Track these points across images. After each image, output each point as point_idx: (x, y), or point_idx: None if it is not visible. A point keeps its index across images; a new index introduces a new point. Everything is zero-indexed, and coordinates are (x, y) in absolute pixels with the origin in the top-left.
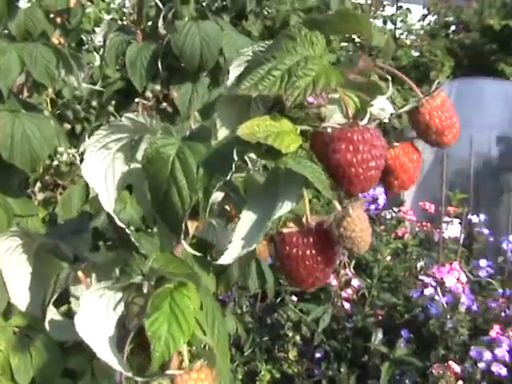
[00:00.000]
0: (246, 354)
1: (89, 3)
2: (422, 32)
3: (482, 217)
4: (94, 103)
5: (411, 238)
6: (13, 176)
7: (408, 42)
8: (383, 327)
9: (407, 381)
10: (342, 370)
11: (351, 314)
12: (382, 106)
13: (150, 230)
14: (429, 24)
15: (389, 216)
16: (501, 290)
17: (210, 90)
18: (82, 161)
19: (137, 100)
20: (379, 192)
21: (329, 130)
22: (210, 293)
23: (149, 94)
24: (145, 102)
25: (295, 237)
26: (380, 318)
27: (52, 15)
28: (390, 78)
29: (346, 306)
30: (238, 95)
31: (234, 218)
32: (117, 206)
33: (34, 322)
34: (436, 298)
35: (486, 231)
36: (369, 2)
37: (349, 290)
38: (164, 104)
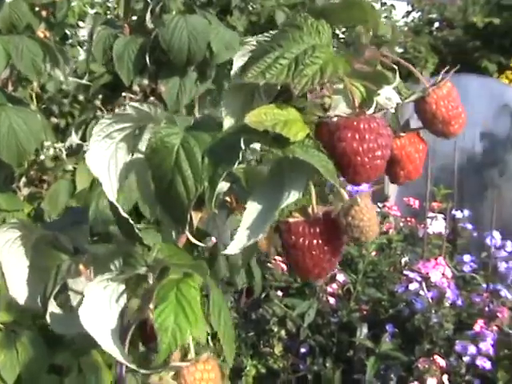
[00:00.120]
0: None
1: None
2: (406, 29)
3: (466, 212)
4: (81, 97)
5: (396, 234)
6: None
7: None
8: (368, 322)
9: (392, 375)
10: (327, 364)
11: (336, 308)
12: (388, 96)
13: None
14: (413, 21)
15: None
16: (484, 285)
17: (197, 84)
18: (68, 155)
19: (124, 94)
20: (364, 187)
21: (334, 119)
22: (216, 283)
23: (136, 88)
24: (132, 96)
25: (301, 226)
26: (365, 312)
27: (37, 8)
28: (396, 67)
29: (331, 301)
30: (243, 84)
31: (234, 209)
32: (104, 201)
33: (20, 317)
34: (421, 292)
35: (469, 226)
36: None
37: (334, 285)
38: (152, 98)
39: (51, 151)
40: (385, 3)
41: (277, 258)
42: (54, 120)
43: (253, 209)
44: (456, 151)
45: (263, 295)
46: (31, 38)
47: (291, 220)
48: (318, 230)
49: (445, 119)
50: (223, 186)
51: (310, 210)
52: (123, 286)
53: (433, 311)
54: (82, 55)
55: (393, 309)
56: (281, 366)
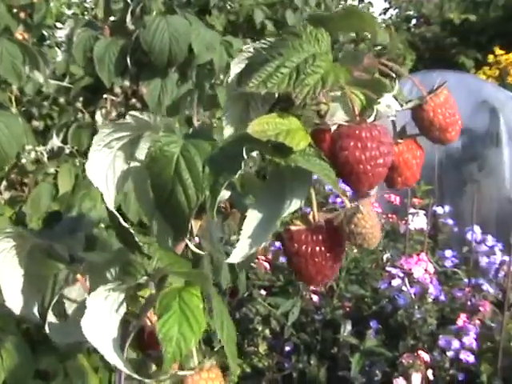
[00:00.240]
0: (215, 349)
1: None
2: (383, 25)
3: (447, 208)
4: (62, 100)
5: None
6: None
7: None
8: (352, 319)
9: (377, 371)
10: (312, 362)
11: (320, 306)
12: (388, 103)
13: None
14: (390, 18)
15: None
16: (466, 280)
17: (178, 85)
18: (49, 158)
19: (105, 96)
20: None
21: (333, 127)
22: (216, 292)
23: (117, 90)
24: (113, 98)
25: (304, 234)
26: (348, 309)
27: (15, 10)
28: (394, 75)
29: (315, 298)
30: (242, 93)
31: (229, 215)
32: (87, 204)
33: (3, 323)
34: (403, 288)
35: (450, 222)
36: None
37: None
38: (133, 100)
39: (32, 154)
40: (362, 0)
41: (260, 257)
42: (35, 123)
43: (254, 217)
44: (436, 147)
45: (246, 295)
46: (10, 40)
47: (293, 228)
48: (320, 237)
49: (442, 126)
50: (224, 194)
51: (310, 217)
52: (123, 296)
53: (416, 307)
54: (59, 56)
55: (376, 305)
56: (266, 365)
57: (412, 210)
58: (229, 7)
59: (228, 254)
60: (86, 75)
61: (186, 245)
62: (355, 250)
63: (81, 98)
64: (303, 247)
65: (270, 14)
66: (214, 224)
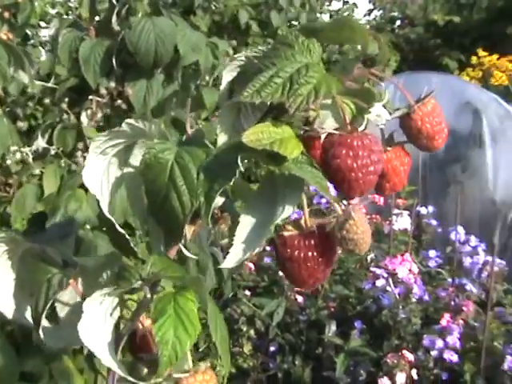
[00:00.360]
0: (200, 349)
1: None
2: (368, 27)
3: (431, 208)
4: (47, 101)
5: None
6: None
7: None
8: (336, 319)
9: (362, 371)
10: (296, 362)
11: (304, 307)
12: (378, 113)
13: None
14: (375, 19)
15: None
16: (450, 280)
17: (164, 86)
18: (34, 159)
19: (91, 97)
20: (329, 185)
21: (323, 134)
22: (210, 295)
23: (103, 91)
24: (99, 99)
25: (297, 240)
26: (333, 310)
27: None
28: (383, 84)
29: (299, 299)
30: (235, 102)
31: (219, 219)
32: (72, 206)
33: None
34: (388, 288)
35: (434, 222)
36: None
37: None
38: (119, 101)
39: (18, 155)
40: (347, 2)
41: None
42: (20, 124)
43: (247, 223)
44: None
45: (231, 295)
46: None
47: (286, 234)
48: (312, 242)
49: (429, 135)
50: (218, 200)
51: (302, 222)
52: (117, 300)
53: (400, 307)
54: (43, 56)
55: (360, 305)
56: (251, 365)
57: (396, 211)
58: (213, 8)
59: (214, 256)
60: (71, 76)
61: None
62: (340, 251)
63: (66, 99)
64: (296, 252)
65: (255, 14)
66: (203, 227)
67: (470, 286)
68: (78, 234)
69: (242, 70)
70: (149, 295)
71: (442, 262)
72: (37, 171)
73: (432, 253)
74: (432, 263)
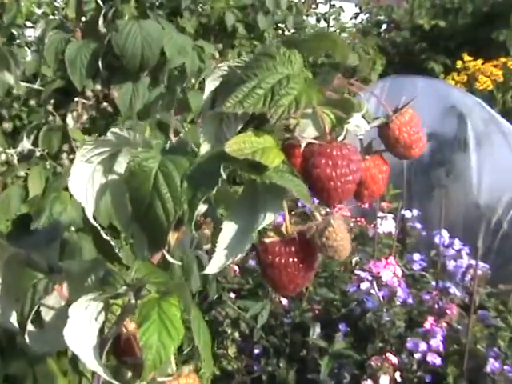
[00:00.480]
0: (184, 352)
1: None
2: (354, 30)
3: (415, 212)
4: (33, 102)
5: None
6: None
7: None
8: (321, 322)
9: (346, 374)
10: (281, 364)
11: (289, 309)
12: (357, 123)
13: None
14: (361, 22)
15: (323, 212)
16: (434, 283)
17: (150, 89)
18: (19, 161)
19: (77, 99)
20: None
21: (303, 143)
22: (192, 300)
23: (89, 93)
24: (85, 101)
25: (278, 246)
26: (317, 312)
27: None
28: (362, 95)
29: (284, 301)
30: (218, 112)
31: (202, 224)
32: (57, 208)
33: None
34: (372, 291)
35: (418, 226)
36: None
37: None
38: (105, 104)
39: (2, 157)
40: (334, 5)
41: None
42: (5, 125)
43: (229, 229)
44: None
45: (216, 297)
46: None
47: (267, 240)
48: (293, 249)
49: (406, 144)
50: (201, 207)
51: (283, 229)
52: (102, 305)
53: (384, 310)
54: (29, 56)
55: (345, 308)
56: (235, 368)
57: (381, 214)
58: (200, 10)
59: (199, 258)
60: (57, 78)
61: None
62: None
63: (52, 101)
64: (277, 258)
65: (242, 17)
66: (187, 234)
67: (453, 290)
68: (62, 236)
69: (224, 79)
70: (133, 300)
71: (426, 265)
72: (22, 173)
73: (416, 256)
74: (416, 266)
